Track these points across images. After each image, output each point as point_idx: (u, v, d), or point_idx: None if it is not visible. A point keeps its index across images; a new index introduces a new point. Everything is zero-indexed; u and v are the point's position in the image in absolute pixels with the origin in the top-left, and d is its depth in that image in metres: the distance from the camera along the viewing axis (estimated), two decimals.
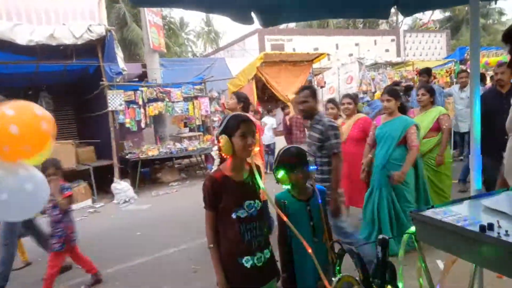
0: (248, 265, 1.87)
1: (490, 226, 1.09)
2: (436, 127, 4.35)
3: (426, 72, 6.27)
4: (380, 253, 1.27)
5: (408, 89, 8.48)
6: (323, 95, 13.71)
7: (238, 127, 1.85)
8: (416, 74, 12.80)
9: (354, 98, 4.53)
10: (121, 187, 7.76)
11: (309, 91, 3.18)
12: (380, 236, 1.29)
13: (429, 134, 4.35)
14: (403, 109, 4.01)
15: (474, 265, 1.47)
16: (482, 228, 1.09)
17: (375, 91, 11.67)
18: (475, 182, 1.63)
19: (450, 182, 4.56)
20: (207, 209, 1.92)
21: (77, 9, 9.42)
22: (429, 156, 4.38)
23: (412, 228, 1.37)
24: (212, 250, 1.90)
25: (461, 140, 6.78)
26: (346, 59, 16.47)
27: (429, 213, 1.30)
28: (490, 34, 30.37)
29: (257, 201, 1.95)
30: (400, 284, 1.35)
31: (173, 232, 5.28)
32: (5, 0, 8.92)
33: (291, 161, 2.15)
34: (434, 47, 25.93)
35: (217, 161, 1.96)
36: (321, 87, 13.17)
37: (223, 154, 1.90)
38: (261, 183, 1.87)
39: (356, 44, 22.44)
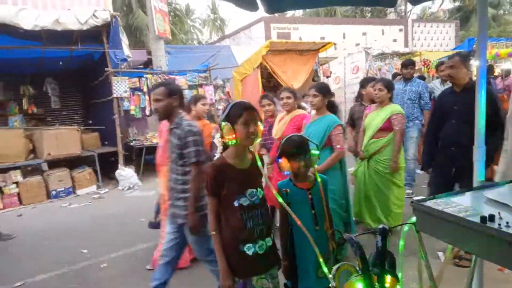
0: (250, 252, 1.89)
1: (491, 217, 1.09)
2: (387, 127, 3.96)
3: (412, 64, 5.65)
4: (380, 242, 1.27)
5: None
6: (329, 85, 13.58)
7: (241, 115, 1.85)
8: (424, 65, 12.65)
9: (293, 92, 4.05)
10: (126, 173, 7.82)
11: (164, 89, 2.70)
12: (380, 226, 1.29)
13: (378, 134, 3.99)
14: (332, 107, 3.56)
15: (474, 256, 1.47)
16: (483, 219, 1.09)
17: None
18: (478, 173, 1.62)
19: (400, 190, 4.10)
20: (209, 197, 1.93)
21: None
22: (377, 158, 4.00)
23: (413, 219, 1.37)
24: (215, 237, 1.92)
25: None
26: (353, 49, 16.28)
27: (430, 203, 1.29)
28: (500, 25, 29.82)
29: (259, 189, 1.96)
30: (399, 274, 1.35)
31: None
32: None
33: (293, 149, 2.15)
34: (443, 37, 25.54)
35: (220, 148, 1.96)
36: (327, 77, 13.04)
37: (225, 142, 1.90)
38: (263, 171, 1.88)
39: (364, 34, 22.15)
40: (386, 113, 3.96)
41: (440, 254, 3.35)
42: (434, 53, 14.08)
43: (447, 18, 29.42)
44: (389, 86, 4.05)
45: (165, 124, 3.17)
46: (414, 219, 1.36)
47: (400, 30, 24.16)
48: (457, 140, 3.22)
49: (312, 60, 10.81)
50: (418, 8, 34.04)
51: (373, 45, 15.78)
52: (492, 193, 1.33)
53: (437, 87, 5.51)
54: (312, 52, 10.80)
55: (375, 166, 4.01)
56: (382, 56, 13.23)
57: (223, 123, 1.87)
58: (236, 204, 1.89)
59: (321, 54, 11.34)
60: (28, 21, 6.85)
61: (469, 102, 2.78)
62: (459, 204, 1.27)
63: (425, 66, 12.57)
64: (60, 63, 8.93)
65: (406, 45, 22.59)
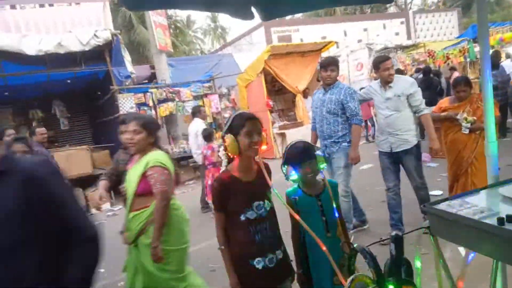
0: (259, 266, 1.85)
1: (509, 218, 1.03)
2: (147, 190, 2.46)
3: (333, 64, 3.92)
4: (394, 250, 1.22)
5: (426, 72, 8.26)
6: None
7: (243, 125, 1.81)
8: (429, 56, 12.50)
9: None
10: None
11: None
12: (393, 233, 1.24)
13: (137, 201, 2.50)
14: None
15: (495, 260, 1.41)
16: (500, 220, 1.03)
17: None
18: (492, 168, 1.55)
19: None
20: (216, 211, 1.90)
21: (83, 16, 9.51)
22: (144, 242, 2.46)
23: (426, 222, 1.31)
24: (223, 252, 1.89)
25: (393, 165, 3.94)
26: (355, 46, 16.19)
27: (443, 206, 1.24)
28: (504, 8, 29.41)
29: (266, 201, 1.92)
30: (417, 281, 1.30)
31: (191, 231, 5.29)
32: (14, 13, 9.09)
33: (298, 156, 2.11)
34: (446, 26, 25.26)
35: (224, 161, 1.93)
36: None
37: (229, 154, 1.87)
38: (270, 182, 1.84)
39: (365, 30, 22.05)
40: (142, 166, 2.51)
41: (461, 249, 3.24)
42: (438, 43, 13.94)
43: (448, 6, 29.10)
44: (147, 125, 2.59)
45: None
46: (427, 222, 1.31)
47: (402, 23, 24.00)
48: None
49: (314, 61, 10.78)
50: (418, 0, 33.77)
51: (375, 40, 15.67)
52: (508, 190, 1.27)
53: (376, 91, 3.97)
54: (314, 53, 10.77)
55: (144, 258, 2.48)
56: (385, 50, 13.13)
57: (226, 135, 1.83)
58: (242, 218, 1.85)
59: (324, 54, 11.30)
60: (31, 46, 6.97)
61: None
62: (474, 204, 1.21)
63: (430, 57, 12.43)
64: (69, 81, 9.05)
65: (409, 37, 22.40)
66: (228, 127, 1.86)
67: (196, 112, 6.84)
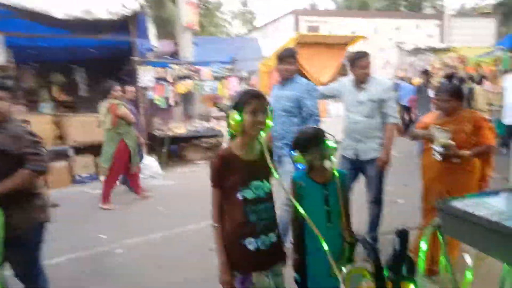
0: (251, 247, 1.81)
1: None
2: None
3: (291, 56, 3.51)
4: (398, 245, 1.12)
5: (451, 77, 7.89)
6: None
7: (249, 103, 1.76)
8: (460, 62, 12.05)
9: None
10: (148, 162, 7.86)
11: None
12: (400, 227, 1.14)
13: None
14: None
15: (508, 267, 1.29)
16: None
17: (411, 78, 11.14)
18: None
19: None
20: (213, 187, 1.87)
21: None
22: None
23: (437, 220, 1.20)
24: (216, 230, 1.86)
25: (353, 172, 3.54)
26: (385, 44, 15.75)
27: (459, 204, 1.13)
28: None
29: (265, 182, 1.87)
30: (418, 281, 1.20)
31: (194, 209, 5.27)
32: None
33: (306, 141, 2.06)
34: (483, 33, 24.30)
35: (227, 138, 1.88)
36: None
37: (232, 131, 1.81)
38: (271, 164, 1.77)
39: (397, 28, 21.41)
40: None
41: (467, 257, 3.08)
42: (472, 49, 13.42)
43: (488, 13, 27.99)
44: None
45: None
46: (438, 220, 1.20)
47: (436, 25, 23.19)
48: None
49: (341, 54, 10.53)
50: (457, 4, 32.63)
51: (406, 40, 15.21)
52: None
53: (349, 90, 3.54)
54: (341, 46, 10.51)
55: None
56: (415, 51, 12.76)
57: (230, 112, 1.78)
58: (239, 196, 1.81)
59: (351, 49, 11.03)
60: (59, 10, 6.98)
61: None
62: (493, 206, 1.09)
63: (461, 62, 12.00)
64: (92, 49, 9.09)
65: (442, 40, 21.67)
66: (234, 104, 1.81)
67: None
